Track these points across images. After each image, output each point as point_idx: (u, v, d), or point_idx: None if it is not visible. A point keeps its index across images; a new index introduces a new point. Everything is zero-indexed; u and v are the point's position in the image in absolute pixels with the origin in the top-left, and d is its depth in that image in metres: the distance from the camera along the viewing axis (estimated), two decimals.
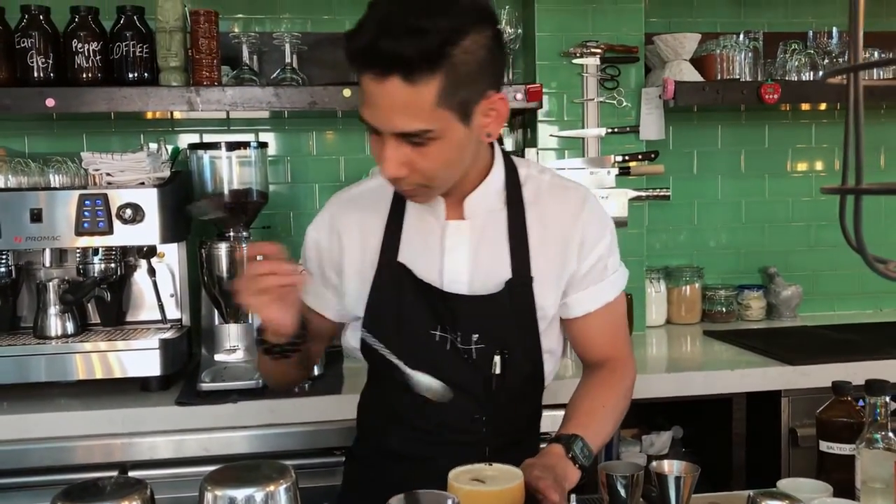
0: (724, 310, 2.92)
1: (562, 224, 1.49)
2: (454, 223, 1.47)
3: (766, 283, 3.00)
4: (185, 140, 2.70)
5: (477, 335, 1.43)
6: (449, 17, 1.22)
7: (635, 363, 1.60)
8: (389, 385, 1.46)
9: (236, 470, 0.96)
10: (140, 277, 2.30)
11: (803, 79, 2.74)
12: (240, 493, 0.90)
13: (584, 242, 1.49)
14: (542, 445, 1.46)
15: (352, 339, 1.56)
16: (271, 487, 0.91)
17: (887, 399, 1.28)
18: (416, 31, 1.19)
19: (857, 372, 2.24)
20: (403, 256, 1.47)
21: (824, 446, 1.34)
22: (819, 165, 3.07)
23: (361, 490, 1.58)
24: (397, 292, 1.46)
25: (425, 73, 1.21)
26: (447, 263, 1.46)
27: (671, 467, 1.21)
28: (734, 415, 2.24)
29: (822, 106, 2.95)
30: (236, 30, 2.68)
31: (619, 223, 2.69)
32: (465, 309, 1.43)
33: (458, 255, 1.46)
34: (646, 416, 2.54)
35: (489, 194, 1.47)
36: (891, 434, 1.23)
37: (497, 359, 1.43)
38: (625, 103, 2.70)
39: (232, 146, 2.22)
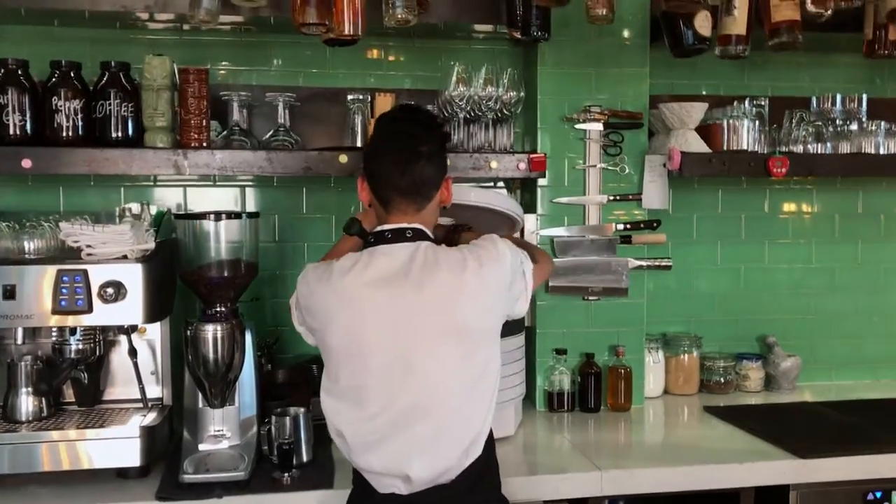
0: (722, 380, 2.84)
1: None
2: None
3: (764, 353, 2.93)
4: (168, 196, 2.58)
5: None
6: None
7: None
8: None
9: None
10: (119, 352, 2.16)
11: (809, 150, 2.67)
12: None
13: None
14: None
15: None
16: None
17: None
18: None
19: (867, 465, 2.19)
20: None
21: None
22: (817, 232, 3.01)
23: None
24: None
25: None
26: None
27: None
28: None
29: None
30: (224, 79, 2.56)
31: (620, 294, 2.62)
32: None
33: None
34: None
35: None
36: None
37: None
38: (627, 170, 2.61)
39: (221, 216, 2.09)
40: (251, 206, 2.62)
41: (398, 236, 1.70)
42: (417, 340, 1.63)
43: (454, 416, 1.65)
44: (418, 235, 1.71)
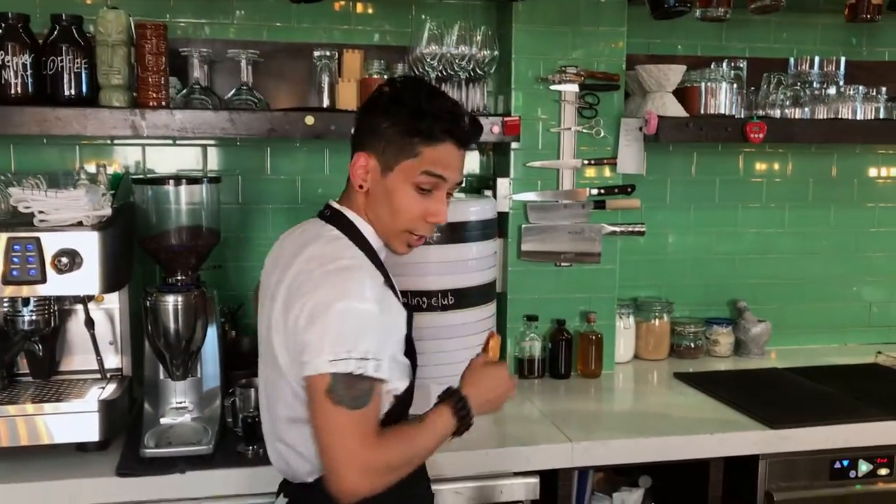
0: (692, 345, 2.83)
1: None
2: None
3: (735, 318, 2.92)
4: (126, 156, 2.47)
5: None
6: None
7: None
8: None
9: None
10: (76, 322, 2.07)
11: (787, 115, 2.63)
12: None
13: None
14: None
15: None
16: None
17: None
18: (478, 125, 1.62)
19: (835, 434, 2.20)
20: None
21: None
22: (791, 197, 2.98)
23: None
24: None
25: None
26: None
27: None
28: (711, 478, 2.15)
29: None
30: (184, 32, 2.43)
31: (593, 260, 2.58)
32: None
33: None
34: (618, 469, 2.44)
35: None
36: None
37: None
38: (603, 133, 2.55)
39: (181, 181, 2.00)
40: (213, 166, 2.52)
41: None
42: None
43: None
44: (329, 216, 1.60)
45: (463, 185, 1.64)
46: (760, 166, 2.95)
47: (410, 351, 1.58)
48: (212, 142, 2.51)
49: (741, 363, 2.80)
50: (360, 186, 1.55)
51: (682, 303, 2.90)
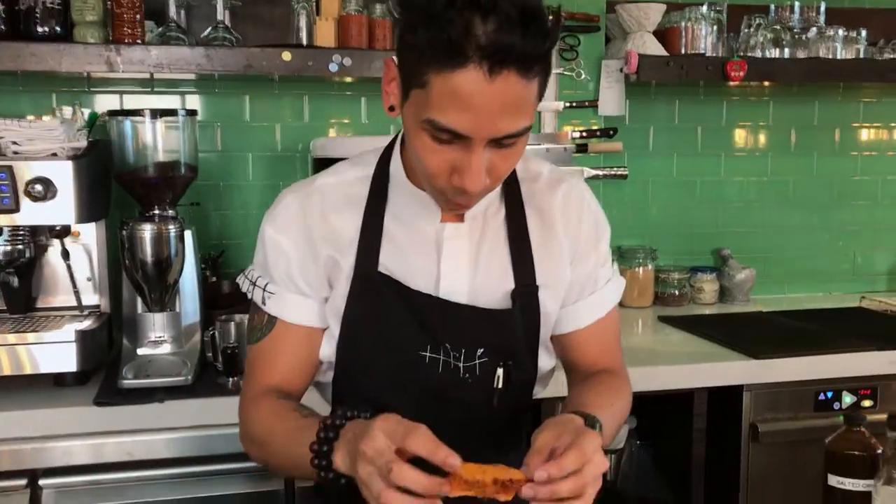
0: (676, 293, 2.83)
1: (562, 225, 1.32)
2: (452, 226, 1.27)
3: (719, 266, 2.92)
4: (102, 102, 2.44)
5: (482, 349, 1.26)
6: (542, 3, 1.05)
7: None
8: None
9: None
10: (52, 258, 2.05)
11: (768, 55, 2.63)
12: None
13: (578, 245, 1.33)
14: None
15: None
16: None
17: None
18: (533, 18, 1.01)
19: (819, 365, 2.19)
20: (386, 266, 1.27)
21: (834, 481, 1.22)
22: (773, 144, 2.99)
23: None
24: (379, 309, 1.26)
25: (539, 66, 1.04)
26: (445, 271, 1.27)
27: None
28: (695, 410, 2.15)
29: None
30: None
31: None
32: (470, 322, 1.25)
33: (458, 261, 1.28)
34: None
35: (489, 192, 1.25)
36: None
37: (500, 372, 1.25)
38: (584, 75, 2.55)
39: (157, 113, 1.98)
40: None
41: None
42: None
43: None
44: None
45: (529, 129, 1.10)
46: (742, 114, 2.94)
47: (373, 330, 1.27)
48: (190, 89, 2.49)
49: (725, 309, 2.80)
50: (391, 108, 1.17)
51: (666, 252, 2.89)
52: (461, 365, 1.25)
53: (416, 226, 1.28)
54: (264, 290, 1.30)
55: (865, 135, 3.06)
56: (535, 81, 1.05)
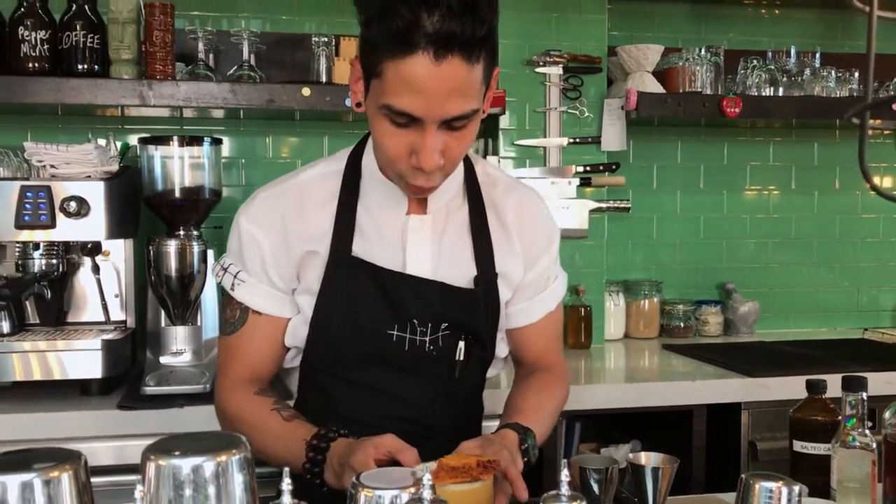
0: (682, 325, 2.90)
1: (516, 226, 1.46)
2: (416, 217, 1.42)
3: (723, 299, 2.99)
4: (134, 137, 2.61)
5: (446, 324, 1.38)
6: None
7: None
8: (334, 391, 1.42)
9: (183, 440, 0.88)
10: (83, 276, 2.18)
11: (763, 94, 2.75)
12: (186, 463, 0.82)
13: (532, 249, 1.47)
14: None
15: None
16: (223, 458, 0.84)
17: (864, 396, 1.25)
18: (473, 8, 1.14)
19: None
20: (357, 253, 1.39)
21: (798, 446, 1.30)
22: (775, 183, 3.09)
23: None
24: (352, 290, 1.37)
25: (480, 51, 1.17)
26: (409, 259, 1.40)
27: (648, 459, 1.17)
28: (694, 427, 2.20)
29: (777, 124, 2.98)
30: (190, 22, 2.60)
31: (580, 235, 2.68)
32: (437, 296, 1.38)
33: (421, 250, 1.41)
34: (604, 429, 2.49)
35: (451, 188, 1.42)
36: (867, 432, 1.20)
37: (462, 344, 1.38)
38: (587, 113, 2.68)
39: (184, 140, 2.14)
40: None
41: None
42: None
43: None
44: None
45: (477, 112, 1.21)
46: (744, 154, 3.06)
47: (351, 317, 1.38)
48: (217, 126, 2.66)
49: (730, 340, 2.87)
50: (358, 104, 1.29)
51: (671, 286, 2.98)
52: (427, 339, 1.37)
53: (384, 217, 1.40)
54: (235, 276, 1.42)
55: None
56: (478, 66, 1.17)
